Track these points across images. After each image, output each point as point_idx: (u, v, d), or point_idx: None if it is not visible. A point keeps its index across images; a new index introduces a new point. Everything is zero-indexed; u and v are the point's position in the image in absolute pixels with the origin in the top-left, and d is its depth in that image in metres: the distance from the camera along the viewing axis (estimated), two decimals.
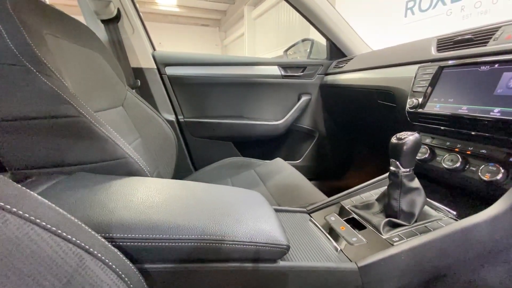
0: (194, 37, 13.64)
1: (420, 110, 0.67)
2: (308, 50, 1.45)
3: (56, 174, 0.47)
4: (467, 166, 0.57)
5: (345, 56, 1.28)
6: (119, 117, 0.79)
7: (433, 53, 0.73)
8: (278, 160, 1.09)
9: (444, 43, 0.72)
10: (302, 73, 1.32)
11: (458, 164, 0.57)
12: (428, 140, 0.69)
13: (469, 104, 0.57)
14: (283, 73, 1.29)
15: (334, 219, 0.59)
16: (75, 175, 0.47)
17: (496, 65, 0.55)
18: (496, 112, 0.51)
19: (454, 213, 0.54)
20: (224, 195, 0.47)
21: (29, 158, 0.47)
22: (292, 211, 0.62)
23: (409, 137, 0.51)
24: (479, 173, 0.53)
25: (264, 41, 8.68)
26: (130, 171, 0.53)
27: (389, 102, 0.83)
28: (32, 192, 0.26)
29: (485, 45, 0.60)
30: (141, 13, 1.12)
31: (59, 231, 0.25)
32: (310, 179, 1.45)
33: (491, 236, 0.46)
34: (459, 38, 0.68)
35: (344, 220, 0.58)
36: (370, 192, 0.67)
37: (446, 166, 0.59)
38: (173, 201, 0.42)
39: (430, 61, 0.71)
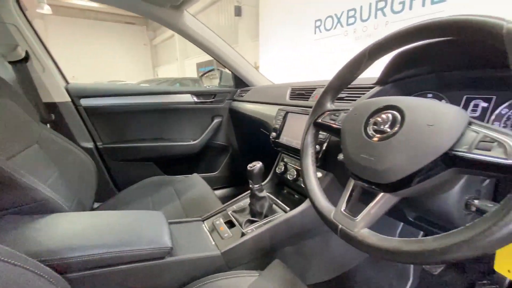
0: (118, 35, 12.58)
1: (277, 140, 0.99)
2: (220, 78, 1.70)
3: None
4: (298, 177, 0.90)
5: (247, 85, 1.58)
6: (35, 156, 0.89)
7: (287, 99, 1.06)
8: (194, 176, 1.31)
9: (293, 93, 1.06)
10: (213, 99, 1.57)
11: (294, 176, 0.90)
12: (286, 159, 1.02)
13: (297, 139, 0.90)
14: (196, 99, 1.51)
15: (218, 223, 0.85)
16: (6, 218, 0.61)
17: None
18: None
19: (288, 209, 0.86)
20: (129, 219, 0.68)
21: None
22: (190, 221, 0.86)
23: (256, 165, 0.80)
24: (302, 182, 0.86)
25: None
26: (51, 209, 0.68)
27: (265, 130, 1.14)
28: None
29: (308, 100, 0.95)
30: (49, 50, 1.18)
31: (11, 261, 0.42)
32: (226, 187, 1.72)
33: (302, 222, 0.79)
34: (300, 91, 1.02)
35: (224, 222, 0.85)
36: (247, 199, 0.96)
37: (289, 177, 0.92)
38: (88, 229, 0.61)
39: (284, 105, 1.05)
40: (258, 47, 5.94)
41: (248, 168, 0.80)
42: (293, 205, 0.87)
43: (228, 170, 1.70)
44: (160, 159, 1.49)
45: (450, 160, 0.35)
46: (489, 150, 0.32)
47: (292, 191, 0.98)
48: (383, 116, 0.43)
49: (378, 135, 0.43)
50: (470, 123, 0.35)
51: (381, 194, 0.42)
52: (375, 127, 0.44)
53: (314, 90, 0.95)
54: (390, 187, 0.41)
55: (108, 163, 1.37)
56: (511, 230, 0.27)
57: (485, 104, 0.55)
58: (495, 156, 0.31)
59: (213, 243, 0.75)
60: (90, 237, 0.58)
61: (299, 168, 0.91)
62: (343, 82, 0.57)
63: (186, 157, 1.56)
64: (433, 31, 0.40)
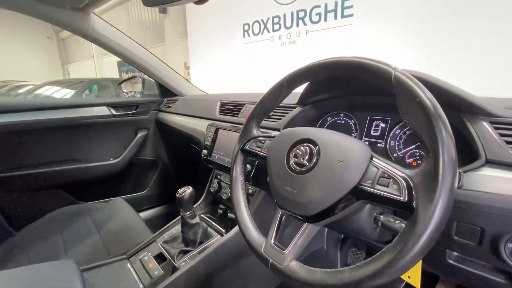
0: (13, 25, 10.26)
1: (209, 158, 0.95)
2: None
3: None
4: None
5: (175, 95, 1.48)
6: None
7: (216, 114, 1.03)
8: (116, 200, 1.16)
9: (222, 107, 1.04)
10: (135, 111, 1.41)
11: (229, 195, 0.88)
12: (219, 176, 0.99)
13: (229, 157, 0.89)
14: (114, 112, 1.33)
15: (147, 259, 0.77)
16: None
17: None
18: None
19: (224, 231, 0.84)
20: (23, 280, 0.54)
21: None
22: (111, 262, 0.75)
23: (187, 191, 0.75)
24: None
25: None
26: None
27: (196, 146, 1.09)
28: None
29: (237, 116, 0.94)
30: None
31: None
32: (158, 205, 1.58)
33: (238, 243, 0.78)
34: (229, 106, 1.00)
35: (153, 257, 0.77)
36: (179, 226, 0.89)
37: (224, 196, 0.90)
38: None
39: (213, 120, 1.01)
40: (188, 47, 5.72)
41: (177, 195, 0.74)
42: (229, 224, 0.86)
43: (159, 187, 1.57)
44: (72, 184, 1.26)
45: (359, 193, 0.38)
46: (387, 186, 0.36)
47: (227, 208, 0.96)
48: (302, 148, 0.45)
49: (299, 168, 0.44)
50: (372, 158, 0.40)
51: (305, 224, 0.44)
52: (295, 159, 0.45)
53: (243, 106, 0.95)
54: (312, 218, 0.43)
55: None
56: (408, 261, 0.31)
57: (383, 125, 0.64)
58: (391, 192, 0.35)
59: (141, 286, 0.67)
60: None
61: None
62: (266, 108, 0.57)
63: (106, 179, 1.36)
64: (337, 68, 0.44)
